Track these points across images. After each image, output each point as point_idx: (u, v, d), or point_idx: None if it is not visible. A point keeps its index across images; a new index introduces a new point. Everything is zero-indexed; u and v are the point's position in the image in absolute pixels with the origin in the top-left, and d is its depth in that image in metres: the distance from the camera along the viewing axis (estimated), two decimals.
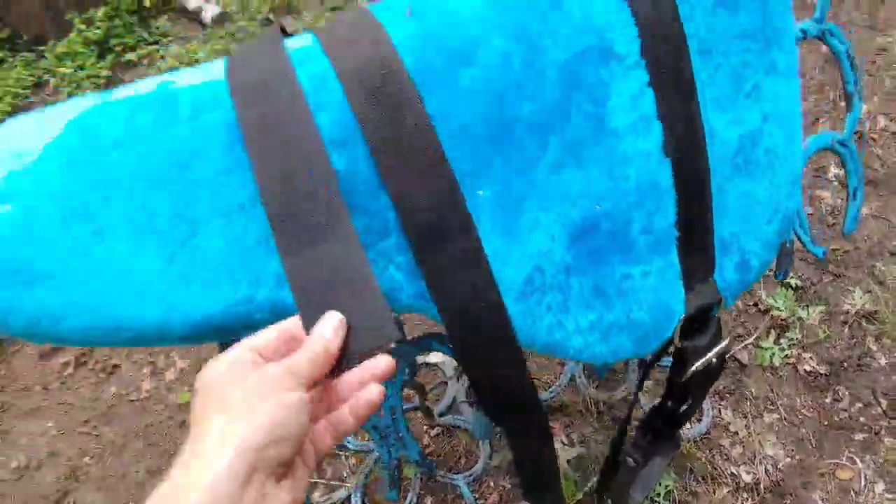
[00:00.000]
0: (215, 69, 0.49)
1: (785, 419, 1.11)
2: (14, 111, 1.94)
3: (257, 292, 0.45)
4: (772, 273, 0.66)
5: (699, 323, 0.60)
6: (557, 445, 1.12)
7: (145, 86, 0.48)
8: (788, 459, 1.06)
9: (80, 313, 0.42)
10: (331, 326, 0.38)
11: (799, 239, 0.65)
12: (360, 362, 0.39)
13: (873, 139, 1.46)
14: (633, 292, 0.53)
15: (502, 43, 0.48)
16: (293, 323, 0.39)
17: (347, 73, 0.46)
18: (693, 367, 0.61)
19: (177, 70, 0.53)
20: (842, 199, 1.38)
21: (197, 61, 1.87)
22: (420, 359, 1.24)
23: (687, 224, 0.54)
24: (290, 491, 0.34)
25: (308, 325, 0.39)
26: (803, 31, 0.61)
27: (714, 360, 0.63)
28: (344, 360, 0.39)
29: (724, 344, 0.63)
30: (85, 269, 0.42)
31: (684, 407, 0.69)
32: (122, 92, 0.48)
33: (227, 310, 0.45)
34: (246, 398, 0.33)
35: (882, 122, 1.49)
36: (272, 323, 0.39)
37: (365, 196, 0.46)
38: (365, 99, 0.45)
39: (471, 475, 1.10)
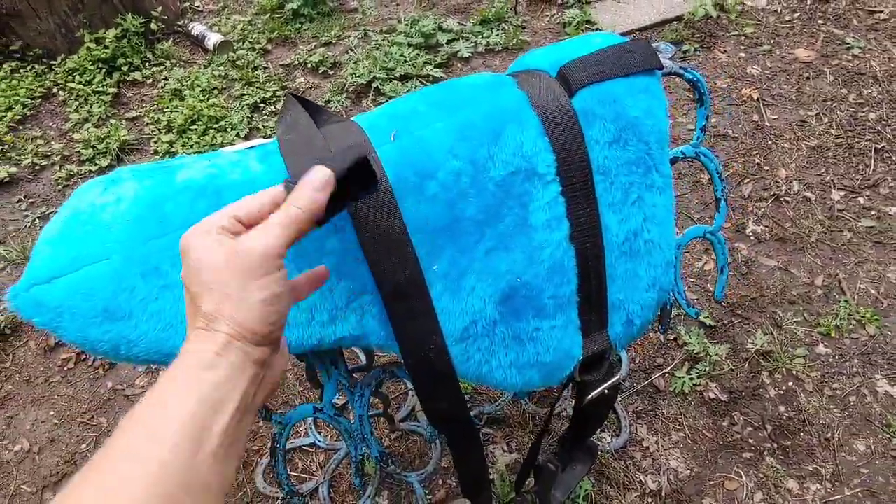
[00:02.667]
0: (251, 160, 0.68)
1: (688, 437, 1.33)
2: (24, 119, 2.08)
3: (289, 333, 0.64)
4: (657, 327, 0.86)
5: (596, 362, 0.81)
6: (498, 452, 1.32)
7: (197, 169, 0.67)
8: (688, 472, 1.28)
9: (149, 343, 0.61)
10: (321, 178, 0.44)
11: (678, 302, 0.86)
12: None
13: (787, 201, 1.70)
14: (542, 340, 0.74)
15: (457, 164, 0.68)
16: (278, 191, 0.45)
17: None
18: (589, 396, 0.82)
19: (220, 155, 0.71)
20: (756, 252, 1.62)
21: (198, 84, 2.04)
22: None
23: (586, 291, 0.75)
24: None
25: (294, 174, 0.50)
26: (683, 153, 0.82)
27: (607, 390, 0.83)
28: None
29: (614, 379, 0.83)
30: (154, 312, 0.61)
31: (588, 425, 0.90)
32: (183, 172, 0.66)
33: None
34: (237, 280, 0.40)
35: (796, 186, 1.73)
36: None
37: (352, 266, 0.66)
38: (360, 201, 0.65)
39: (423, 474, 1.29)
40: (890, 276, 1.53)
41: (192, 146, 1.92)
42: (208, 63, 2.14)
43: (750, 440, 1.31)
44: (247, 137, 1.96)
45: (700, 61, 2.09)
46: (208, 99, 2.05)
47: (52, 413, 1.50)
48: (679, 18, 2.18)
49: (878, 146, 1.79)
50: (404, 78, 2.06)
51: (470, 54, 2.15)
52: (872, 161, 1.77)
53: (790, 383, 1.38)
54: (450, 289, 0.69)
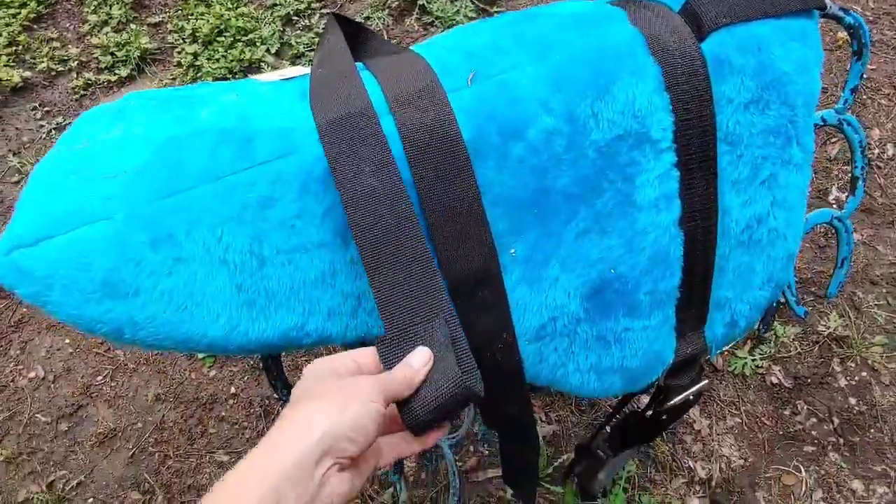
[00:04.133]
0: (288, 99, 0.53)
1: (745, 424, 1.22)
2: (39, 18, 1.92)
3: (308, 321, 0.52)
4: (759, 327, 0.73)
5: (686, 365, 0.68)
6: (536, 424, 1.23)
7: (223, 104, 0.53)
8: (742, 461, 1.18)
9: (158, 326, 0.49)
10: (420, 361, 0.45)
11: (786, 300, 0.72)
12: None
13: (878, 167, 1.51)
14: (630, 342, 0.61)
15: (551, 122, 0.52)
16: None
17: (410, 132, 0.51)
18: (672, 402, 0.70)
19: (252, 84, 0.57)
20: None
21: None
22: None
23: (689, 286, 0.61)
24: (348, 483, 0.41)
25: (388, 345, 0.46)
26: (823, 119, 0.65)
27: (691, 396, 0.71)
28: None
29: (702, 384, 0.71)
30: (166, 290, 0.48)
31: (657, 429, 0.78)
32: (206, 108, 0.52)
33: (281, 333, 0.51)
34: (339, 395, 0.41)
35: (890, 150, 1.53)
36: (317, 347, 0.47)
37: None
38: (422, 159, 0.51)
39: (454, 438, 1.20)
40: None
41: (217, 59, 1.75)
42: None
43: (813, 432, 1.20)
44: (278, 54, 1.78)
45: None
46: (236, 7, 1.86)
47: (67, 341, 1.43)
48: None
49: None
50: None
51: None
52: None
53: (864, 373, 1.25)
54: (528, 278, 0.55)
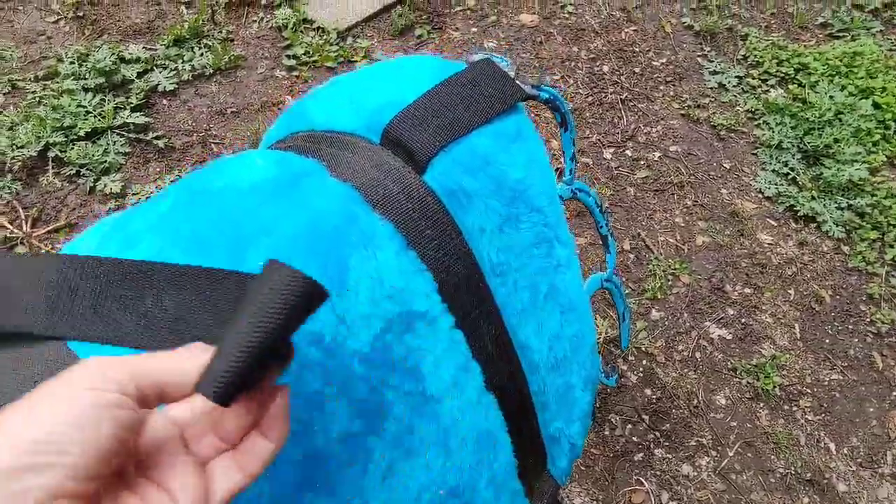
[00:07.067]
0: None
1: (581, 464, 1.19)
2: None
3: None
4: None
5: None
6: None
7: None
8: (594, 502, 1.15)
9: None
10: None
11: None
12: None
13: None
14: None
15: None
16: None
17: None
18: None
19: None
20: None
21: None
22: None
23: (520, 447, 0.50)
24: None
25: None
26: (560, 197, 0.61)
27: None
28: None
29: None
30: None
31: None
32: None
33: None
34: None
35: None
36: None
37: None
38: None
39: None
40: (678, 221, 1.58)
41: None
42: None
43: (634, 438, 1.23)
44: None
45: (437, 44, 1.95)
46: None
47: None
48: (400, 2, 2.00)
49: (622, 97, 1.85)
50: (93, 135, 1.54)
51: (175, 85, 1.70)
52: (623, 113, 1.82)
53: (644, 362, 1.33)
54: None
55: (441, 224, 0.45)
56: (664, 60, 1.98)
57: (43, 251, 1.37)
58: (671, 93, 1.88)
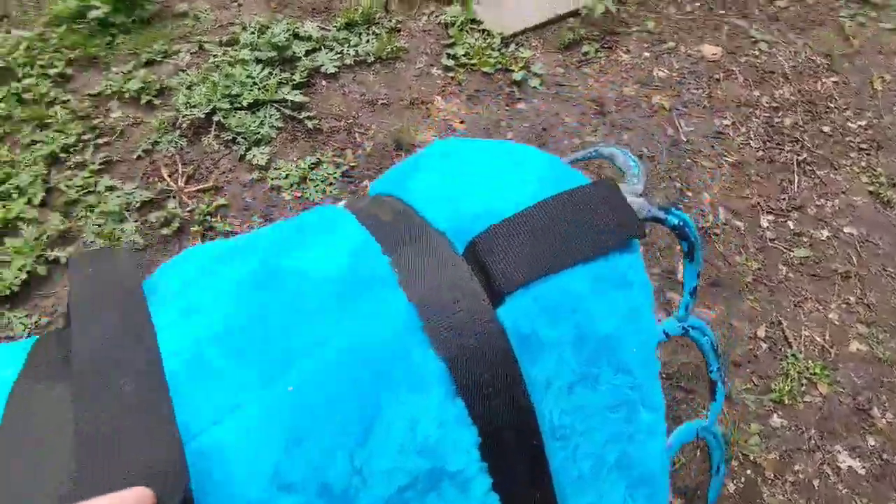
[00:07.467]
0: None
1: None
2: None
3: None
4: None
5: None
6: None
7: None
8: None
9: None
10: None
11: None
12: None
13: (716, 234, 1.50)
14: None
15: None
16: None
17: None
18: None
19: None
20: None
21: None
22: None
23: None
24: None
25: None
26: (666, 334, 0.53)
27: None
28: None
29: None
30: None
31: None
32: None
33: None
34: None
35: (722, 214, 1.53)
36: None
37: None
38: None
39: None
40: (832, 317, 1.37)
41: None
42: None
43: None
44: (43, 204, 1.47)
45: (603, 65, 1.83)
46: None
47: None
48: (574, 14, 1.90)
49: (800, 158, 1.63)
50: (254, 106, 1.64)
51: (336, 69, 1.75)
52: (796, 177, 1.60)
53: (749, 472, 1.18)
54: None
55: (502, 371, 0.39)
56: (863, 123, 1.71)
57: (188, 208, 1.49)
58: (862, 163, 1.63)
